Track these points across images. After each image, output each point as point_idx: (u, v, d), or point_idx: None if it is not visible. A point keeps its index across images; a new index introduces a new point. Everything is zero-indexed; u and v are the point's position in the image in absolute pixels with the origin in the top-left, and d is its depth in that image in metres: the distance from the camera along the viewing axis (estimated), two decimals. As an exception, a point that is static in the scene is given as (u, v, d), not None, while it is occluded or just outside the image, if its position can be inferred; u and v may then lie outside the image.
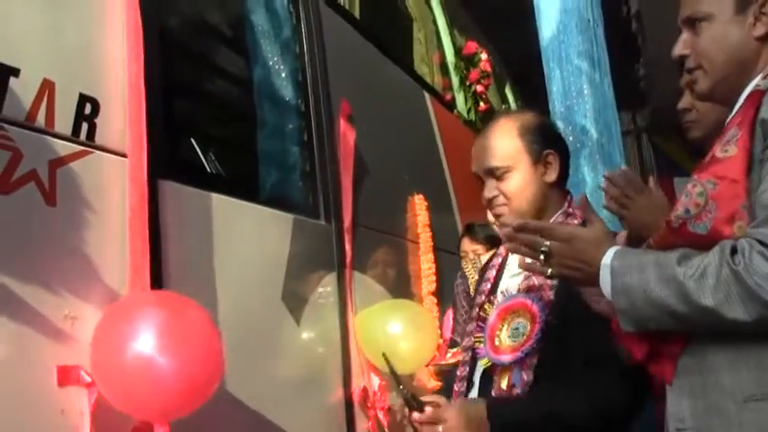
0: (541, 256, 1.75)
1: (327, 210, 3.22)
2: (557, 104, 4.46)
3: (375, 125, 3.81)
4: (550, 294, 2.12)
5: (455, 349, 3.30)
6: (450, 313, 3.92)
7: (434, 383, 3.78)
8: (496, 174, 2.21)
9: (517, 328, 2.15)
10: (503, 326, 2.19)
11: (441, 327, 3.94)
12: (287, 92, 3.24)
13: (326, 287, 3.14)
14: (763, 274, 1.47)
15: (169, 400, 1.94)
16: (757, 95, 1.63)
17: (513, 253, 2.07)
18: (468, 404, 2.12)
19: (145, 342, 1.93)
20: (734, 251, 1.53)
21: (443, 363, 3.39)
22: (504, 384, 2.13)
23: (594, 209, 1.88)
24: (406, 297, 3.89)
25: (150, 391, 1.92)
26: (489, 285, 2.35)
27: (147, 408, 1.98)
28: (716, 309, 1.52)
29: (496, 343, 2.18)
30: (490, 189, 2.23)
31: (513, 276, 2.27)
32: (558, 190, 2.26)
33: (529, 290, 2.16)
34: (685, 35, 1.83)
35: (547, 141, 2.24)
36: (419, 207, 4.13)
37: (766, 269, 1.47)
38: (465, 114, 5.18)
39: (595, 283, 1.71)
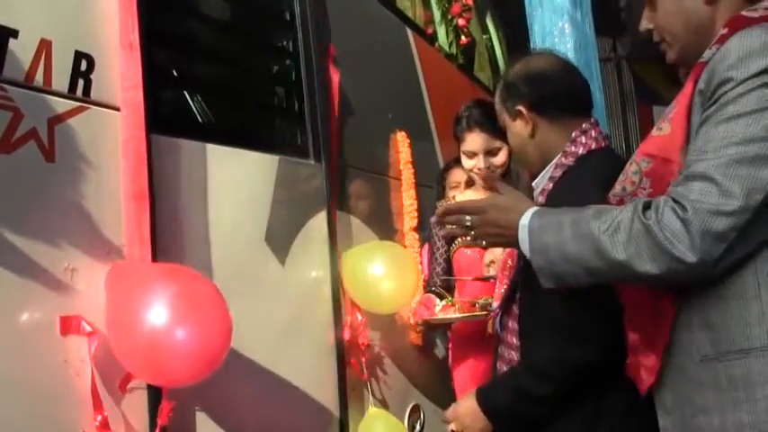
0: (471, 233, 1.89)
1: (317, 149, 3.24)
2: (538, 43, 4.49)
3: (358, 62, 3.83)
4: None
5: (444, 302, 3.39)
6: (425, 251, 4.00)
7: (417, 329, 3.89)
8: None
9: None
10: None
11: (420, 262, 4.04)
12: (275, 34, 3.27)
13: (317, 226, 3.20)
14: (672, 230, 1.54)
15: (183, 370, 2.04)
16: (699, 68, 1.68)
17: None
18: (461, 402, 2.32)
19: (161, 315, 2.01)
20: (646, 207, 1.61)
21: (433, 318, 3.48)
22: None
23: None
24: (389, 234, 3.97)
25: (166, 363, 2.02)
26: None
27: (162, 378, 2.09)
28: (628, 262, 1.58)
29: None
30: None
31: None
32: (548, 134, 2.26)
33: None
34: (646, 11, 1.89)
35: (514, 96, 2.30)
36: (401, 144, 4.17)
37: (676, 225, 1.54)
38: (446, 48, 5.20)
39: (517, 245, 1.82)
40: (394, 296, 3.38)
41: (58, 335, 2.02)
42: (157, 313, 2.01)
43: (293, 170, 3.10)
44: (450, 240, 3.53)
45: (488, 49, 6.42)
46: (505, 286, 2.37)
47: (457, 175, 3.94)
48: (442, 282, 3.59)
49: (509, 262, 2.37)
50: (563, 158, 2.23)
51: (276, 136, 3.21)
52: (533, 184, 2.35)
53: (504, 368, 2.29)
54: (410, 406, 3.93)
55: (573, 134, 2.25)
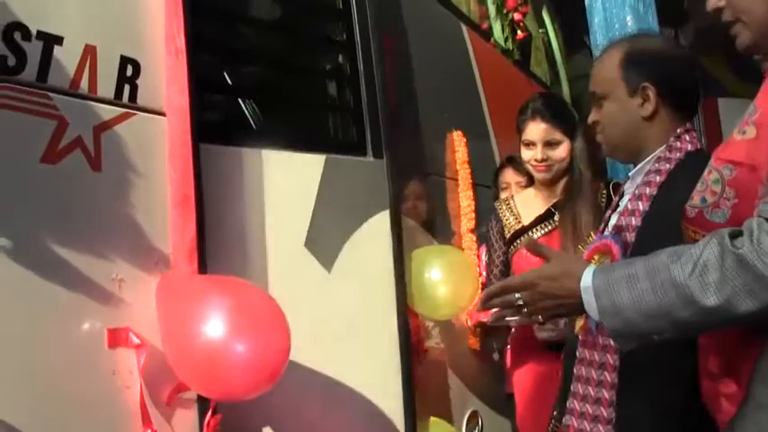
0: (524, 310, 1.71)
1: (376, 145, 3.08)
2: (598, 37, 4.35)
3: (412, 61, 3.75)
4: (632, 236, 2.02)
5: None
6: (482, 253, 3.91)
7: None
8: (596, 99, 2.17)
9: None
10: None
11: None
12: (327, 29, 3.19)
13: (378, 226, 3.06)
14: None
15: (242, 384, 1.98)
16: None
17: (495, 323, 1.99)
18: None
19: (220, 328, 1.96)
20: (735, 236, 1.39)
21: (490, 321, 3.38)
22: (578, 326, 2.10)
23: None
24: (446, 236, 3.88)
25: (226, 376, 1.96)
26: (602, 225, 2.27)
27: (220, 392, 2.03)
28: (725, 305, 1.37)
29: None
30: (593, 114, 2.19)
31: (616, 213, 2.19)
32: (661, 123, 2.11)
33: (617, 230, 2.08)
34: None
35: (649, 71, 2.10)
36: (458, 143, 4.08)
37: None
38: (502, 43, 5.09)
39: (583, 311, 1.61)
40: (452, 301, 3.30)
41: (106, 347, 1.97)
42: (216, 326, 1.96)
43: (348, 168, 2.97)
44: (509, 242, 3.43)
45: (545, 43, 6.28)
46: None
47: (507, 176, 3.86)
48: None
49: (594, 257, 2.23)
50: (667, 152, 2.09)
51: (329, 134, 3.12)
52: (630, 174, 2.21)
53: (584, 373, 2.14)
54: (468, 412, 3.84)
55: (678, 130, 2.12)
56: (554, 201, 3.29)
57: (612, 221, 2.17)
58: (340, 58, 3.15)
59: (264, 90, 2.79)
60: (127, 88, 2.10)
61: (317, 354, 2.60)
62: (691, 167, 1.99)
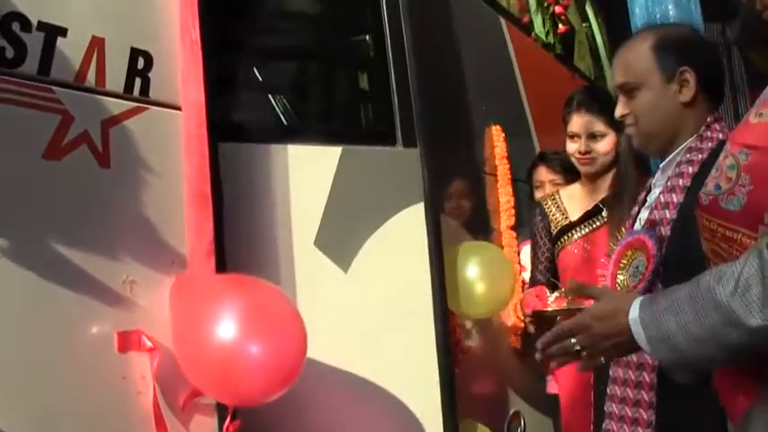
0: (583, 354, 1.61)
1: (408, 133, 2.87)
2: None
3: (449, 55, 3.64)
4: (667, 230, 1.94)
5: (557, 293, 3.18)
6: (525, 247, 3.80)
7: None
8: (626, 90, 2.05)
9: (637, 267, 1.99)
10: (625, 265, 2.03)
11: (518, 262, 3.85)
12: (353, 14, 3.04)
13: (411, 219, 2.85)
14: None
15: (256, 387, 1.90)
16: None
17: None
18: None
19: (233, 330, 1.88)
20: None
21: (545, 310, 3.27)
22: None
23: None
24: (485, 232, 3.77)
25: (238, 380, 1.88)
26: (631, 221, 2.16)
27: (233, 395, 1.95)
28: None
29: (617, 283, 2.03)
30: (621, 107, 2.07)
31: (646, 208, 2.09)
32: (697, 110, 2.03)
33: (651, 224, 1.99)
34: None
35: (684, 57, 2.01)
36: (496, 138, 3.96)
37: None
38: (543, 37, 4.94)
39: (636, 347, 1.52)
40: (489, 299, 3.18)
41: (116, 351, 1.90)
42: (230, 328, 1.88)
43: (372, 159, 2.79)
44: (555, 238, 3.33)
45: (588, 37, 6.12)
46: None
47: (541, 174, 3.74)
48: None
49: (627, 253, 2.10)
50: (698, 142, 2.00)
51: (350, 124, 2.94)
52: (660, 166, 2.10)
53: (619, 393, 2.02)
54: (510, 413, 3.73)
55: (708, 119, 2.03)
56: (601, 196, 3.20)
57: (643, 216, 2.07)
58: (367, 44, 2.97)
59: (286, 83, 2.68)
60: (138, 81, 2.02)
61: (344, 356, 2.49)
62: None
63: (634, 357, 1.92)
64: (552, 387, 3.63)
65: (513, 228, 3.90)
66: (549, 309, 3.20)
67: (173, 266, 2.06)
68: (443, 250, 3.11)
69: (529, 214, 3.98)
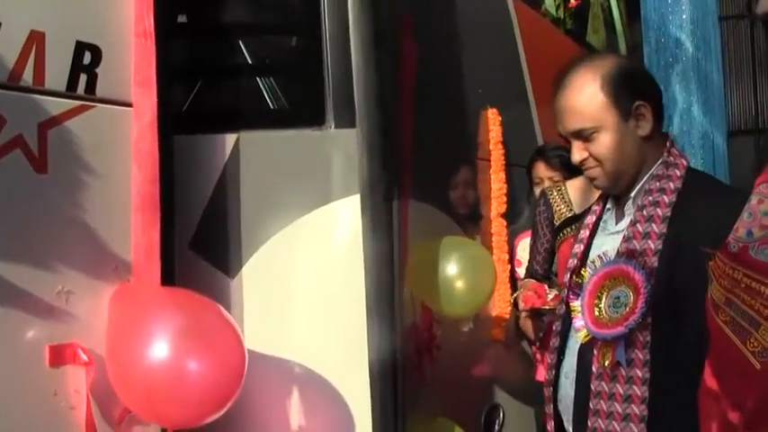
0: None
1: (341, 111, 2.50)
2: (650, 12, 4.02)
3: (443, 34, 3.48)
4: (654, 261, 1.89)
5: (555, 291, 3.10)
6: (523, 241, 3.69)
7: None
8: (583, 136, 1.97)
9: (618, 298, 1.93)
10: (602, 294, 1.97)
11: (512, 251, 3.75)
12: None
13: (345, 209, 2.53)
14: None
15: (187, 411, 1.83)
16: None
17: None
18: None
19: (162, 349, 1.80)
20: None
21: (543, 307, 3.19)
22: (606, 362, 1.92)
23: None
24: (474, 221, 3.66)
25: (166, 403, 1.81)
26: (583, 247, 2.12)
27: (161, 418, 1.88)
28: None
29: (596, 314, 1.96)
30: (579, 151, 1.99)
31: (611, 235, 2.05)
32: (654, 140, 2.00)
33: (629, 254, 1.93)
34: None
35: (637, 91, 1.98)
36: (492, 122, 3.81)
37: None
38: (553, 12, 4.77)
39: None
40: (468, 300, 3.08)
41: (47, 365, 1.81)
42: (159, 347, 1.78)
43: (286, 143, 2.47)
44: (557, 229, 3.25)
45: (605, 10, 5.92)
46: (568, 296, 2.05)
47: (539, 171, 3.61)
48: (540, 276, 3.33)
49: (605, 284, 2.01)
50: (664, 169, 1.97)
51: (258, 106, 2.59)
52: (629, 204, 2.01)
53: (605, 407, 1.94)
54: (488, 406, 3.66)
55: (667, 143, 2.01)
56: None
57: (611, 242, 2.01)
58: (295, 17, 2.65)
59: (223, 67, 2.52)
60: (83, 78, 1.91)
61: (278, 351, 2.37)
62: (703, 189, 1.96)
63: (623, 371, 1.89)
64: (540, 374, 3.56)
65: (504, 215, 3.78)
66: (547, 307, 3.15)
67: (116, 274, 1.96)
68: (416, 244, 3.03)
69: (525, 202, 3.88)
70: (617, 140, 1.95)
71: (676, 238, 1.87)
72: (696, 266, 1.66)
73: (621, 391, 1.90)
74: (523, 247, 3.70)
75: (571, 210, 3.23)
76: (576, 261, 2.10)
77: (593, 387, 1.94)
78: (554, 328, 2.15)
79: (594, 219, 2.13)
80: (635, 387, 1.88)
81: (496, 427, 3.72)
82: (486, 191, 3.78)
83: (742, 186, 1.83)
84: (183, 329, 1.83)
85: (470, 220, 3.65)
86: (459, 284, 3.06)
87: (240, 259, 2.31)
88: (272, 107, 2.54)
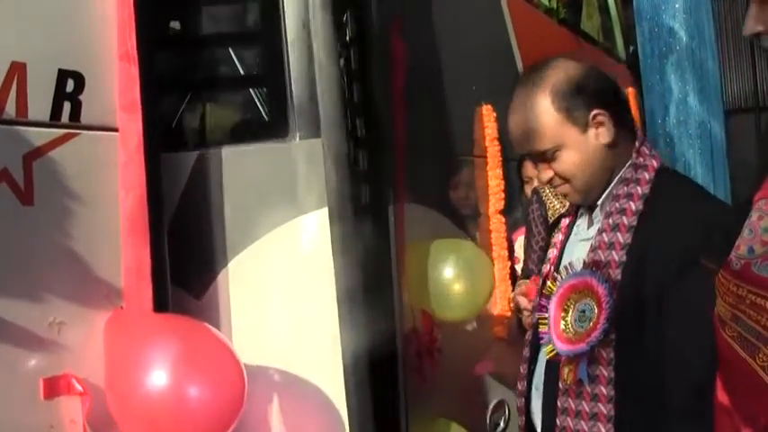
0: None
1: (307, 124, 2.41)
2: (643, 1, 3.98)
3: (434, 31, 3.44)
4: (618, 273, 1.82)
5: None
6: (519, 238, 3.67)
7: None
8: (545, 157, 1.90)
9: (584, 312, 1.87)
10: (569, 307, 1.90)
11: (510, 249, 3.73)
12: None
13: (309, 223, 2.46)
14: None
15: None
16: None
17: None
18: None
19: (162, 377, 1.79)
20: None
21: None
22: (569, 379, 1.87)
23: None
24: (472, 219, 3.64)
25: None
26: (556, 252, 2.06)
27: None
28: None
29: (562, 327, 1.90)
30: (544, 172, 1.92)
31: (582, 241, 1.98)
32: (621, 144, 1.92)
33: (595, 265, 1.86)
34: (755, 8, 1.39)
35: (590, 100, 1.89)
36: (487, 119, 3.78)
37: None
38: (546, 2, 4.72)
39: None
40: (465, 302, 3.07)
41: (41, 398, 1.80)
42: (158, 375, 1.77)
43: (260, 157, 2.40)
44: (551, 227, 3.21)
45: (599, -6, 5.87)
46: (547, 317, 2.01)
47: (528, 170, 3.59)
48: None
49: (570, 296, 1.97)
50: (633, 172, 1.89)
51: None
52: (597, 211, 1.95)
53: (572, 425, 1.91)
54: (493, 403, 3.64)
55: (636, 144, 1.92)
56: None
57: (581, 250, 1.94)
58: (254, 27, 2.55)
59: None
60: (67, 106, 1.89)
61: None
62: (671, 195, 1.86)
63: (588, 387, 1.83)
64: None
65: (502, 212, 3.76)
66: None
67: (108, 300, 1.95)
68: (413, 245, 3.01)
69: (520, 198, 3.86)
70: (580, 155, 1.88)
71: (641, 249, 1.81)
72: (660, 280, 1.68)
73: (587, 409, 1.84)
74: (520, 244, 3.68)
75: (564, 206, 3.20)
76: (549, 266, 2.04)
77: (559, 404, 1.89)
78: (526, 337, 2.10)
79: (568, 222, 2.06)
80: (600, 405, 1.82)
81: (502, 425, 3.71)
82: (483, 188, 3.76)
83: (743, 174, 1.78)
84: (180, 355, 1.81)
85: (468, 219, 3.62)
86: (457, 288, 3.05)
87: (205, 280, 2.27)
88: (234, 121, 2.47)
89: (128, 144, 1.98)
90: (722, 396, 1.47)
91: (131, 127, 1.99)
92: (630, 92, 5.82)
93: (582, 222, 2.01)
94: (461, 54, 3.64)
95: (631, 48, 5.93)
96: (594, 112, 1.86)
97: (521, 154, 3.65)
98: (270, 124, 2.39)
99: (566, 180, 1.89)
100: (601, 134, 1.87)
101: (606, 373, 1.80)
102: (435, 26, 3.45)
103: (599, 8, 5.85)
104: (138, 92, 1.98)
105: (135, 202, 1.97)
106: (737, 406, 1.43)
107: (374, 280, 2.59)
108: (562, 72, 1.90)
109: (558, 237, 2.09)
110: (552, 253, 2.07)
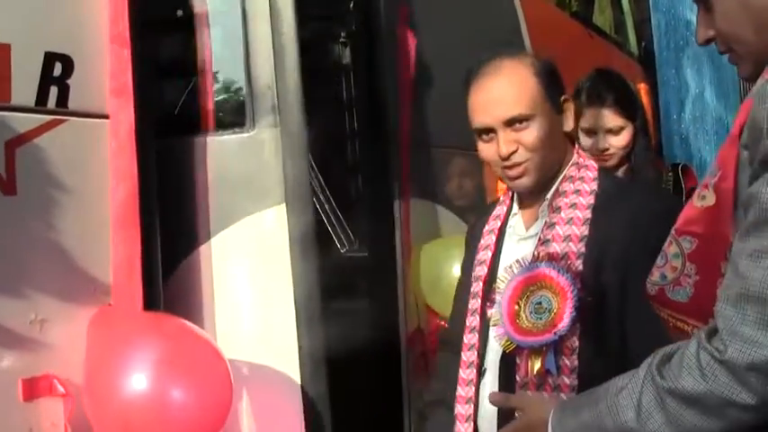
0: None
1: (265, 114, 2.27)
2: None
3: (443, 23, 3.36)
4: (579, 264, 1.80)
5: None
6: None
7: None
8: (516, 123, 1.82)
9: (540, 303, 1.82)
10: (522, 301, 1.85)
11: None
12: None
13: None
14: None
15: None
16: (747, 105, 1.21)
17: None
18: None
19: (142, 381, 1.69)
20: (661, 363, 1.25)
21: None
22: (535, 369, 1.81)
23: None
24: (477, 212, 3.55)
25: None
26: (491, 254, 1.98)
27: None
28: None
29: (518, 321, 1.84)
30: (507, 144, 1.82)
31: (524, 240, 1.93)
32: (569, 140, 1.96)
33: (550, 258, 1.83)
34: (701, 14, 1.38)
35: (561, 85, 1.91)
36: (496, 112, 3.69)
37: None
38: (559, -8, 4.63)
39: None
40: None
41: (20, 400, 1.70)
42: (138, 378, 1.67)
43: (216, 149, 2.25)
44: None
45: (610, -15, 5.76)
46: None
47: None
48: None
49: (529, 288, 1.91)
50: (576, 170, 1.90)
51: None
52: (544, 206, 1.91)
53: None
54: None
55: (575, 155, 1.94)
56: None
57: (525, 248, 1.89)
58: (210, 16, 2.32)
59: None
60: (54, 91, 1.79)
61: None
62: (619, 190, 1.90)
63: (550, 379, 1.81)
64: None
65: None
66: None
67: (95, 297, 1.85)
68: (425, 245, 2.93)
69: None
70: (548, 131, 1.83)
71: (600, 241, 1.80)
72: (622, 269, 1.71)
73: (558, 381, 1.81)
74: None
75: None
76: (485, 269, 1.97)
77: None
78: (465, 341, 2.01)
79: (500, 224, 1.99)
80: (562, 395, 1.78)
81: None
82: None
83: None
84: (166, 358, 1.71)
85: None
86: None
87: (166, 270, 2.11)
88: (190, 111, 2.31)
89: (118, 131, 1.88)
90: None
91: (123, 113, 1.89)
92: (643, 87, 5.74)
93: (517, 223, 1.96)
94: (472, 47, 3.53)
95: (643, 43, 5.84)
96: (565, 96, 1.90)
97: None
98: (228, 114, 2.27)
99: (529, 155, 1.82)
100: (566, 119, 1.90)
101: (569, 363, 1.79)
102: (444, 18, 3.36)
103: (611, 2, 5.77)
104: (131, 76, 1.88)
105: (126, 194, 1.87)
106: None
107: (351, 279, 2.60)
108: (537, 57, 1.93)
109: (490, 238, 2.00)
110: (486, 255, 1.99)
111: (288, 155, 2.21)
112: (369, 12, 2.79)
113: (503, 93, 1.82)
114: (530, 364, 1.81)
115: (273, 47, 2.22)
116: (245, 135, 2.23)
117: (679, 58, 3.78)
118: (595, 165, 1.93)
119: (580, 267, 1.79)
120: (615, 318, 1.76)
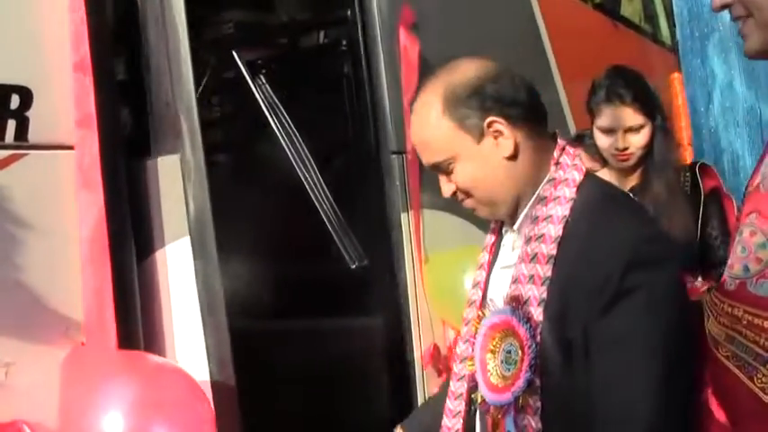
0: None
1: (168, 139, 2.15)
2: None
3: (455, 21, 3.30)
4: (539, 312, 1.60)
5: None
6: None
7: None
8: (442, 168, 1.67)
9: (509, 353, 1.64)
10: (495, 347, 1.66)
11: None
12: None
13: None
14: None
15: None
16: None
17: None
18: None
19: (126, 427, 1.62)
20: None
21: None
22: (496, 430, 1.66)
23: None
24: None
25: None
26: (485, 275, 1.80)
27: None
28: None
29: (489, 371, 1.68)
30: (446, 186, 1.68)
31: (505, 268, 1.73)
32: (529, 156, 1.66)
33: (515, 301, 1.63)
34: None
35: (486, 106, 1.64)
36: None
37: None
38: (579, -18, 4.49)
39: None
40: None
41: (-14, 451, 1.64)
42: (114, 422, 1.60)
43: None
44: None
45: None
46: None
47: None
48: None
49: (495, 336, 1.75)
50: (552, 189, 1.64)
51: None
52: (516, 236, 1.69)
53: None
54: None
55: (555, 153, 1.65)
56: (631, 184, 2.86)
57: (502, 279, 1.70)
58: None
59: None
60: (12, 124, 1.72)
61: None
62: (590, 215, 1.60)
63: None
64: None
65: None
66: None
67: (67, 336, 1.78)
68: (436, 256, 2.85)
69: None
70: (477, 167, 1.64)
71: (561, 284, 1.59)
72: (584, 319, 1.50)
73: None
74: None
75: None
76: (479, 294, 1.79)
77: None
78: (451, 389, 1.85)
79: (493, 240, 1.81)
80: None
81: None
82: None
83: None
84: (143, 400, 1.63)
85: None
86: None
87: None
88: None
89: (84, 162, 1.80)
90: (720, 417, 1.45)
91: (88, 144, 1.81)
92: (677, 78, 5.55)
93: (507, 242, 1.76)
94: (484, 44, 3.43)
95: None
96: (489, 119, 1.62)
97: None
98: (135, 139, 2.13)
99: (468, 192, 1.65)
100: (500, 144, 1.63)
101: (534, 424, 1.60)
102: (455, 13, 3.33)
103: (641, -6, 5.59)
104: (93, 105, 1.80)
105: (95, 226, 1.79)
106: (738, 427, 1.41)
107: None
108: (458, 75, 1.66)
109: (484, 256, 1.82)
110: (481, 276, 1.81)
111: (189, 182, 2.09)
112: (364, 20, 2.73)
113: (421, 137, 1.69)
114: (493, 421, 1.67)
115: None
116: (151, 161, 2.11)
117: (704, 47, 3.60)
118: (577, 178, 1.67)
119: (540, 317, 1.59)
120: (581, 373, 1.56)
